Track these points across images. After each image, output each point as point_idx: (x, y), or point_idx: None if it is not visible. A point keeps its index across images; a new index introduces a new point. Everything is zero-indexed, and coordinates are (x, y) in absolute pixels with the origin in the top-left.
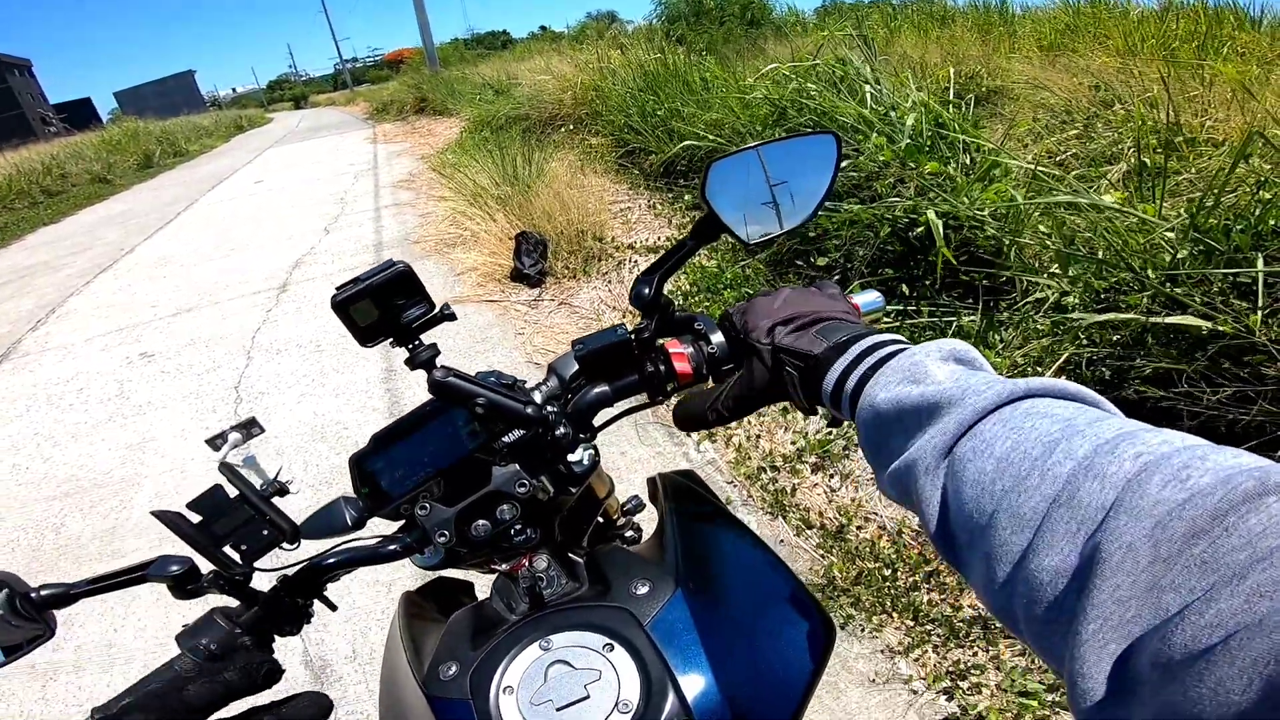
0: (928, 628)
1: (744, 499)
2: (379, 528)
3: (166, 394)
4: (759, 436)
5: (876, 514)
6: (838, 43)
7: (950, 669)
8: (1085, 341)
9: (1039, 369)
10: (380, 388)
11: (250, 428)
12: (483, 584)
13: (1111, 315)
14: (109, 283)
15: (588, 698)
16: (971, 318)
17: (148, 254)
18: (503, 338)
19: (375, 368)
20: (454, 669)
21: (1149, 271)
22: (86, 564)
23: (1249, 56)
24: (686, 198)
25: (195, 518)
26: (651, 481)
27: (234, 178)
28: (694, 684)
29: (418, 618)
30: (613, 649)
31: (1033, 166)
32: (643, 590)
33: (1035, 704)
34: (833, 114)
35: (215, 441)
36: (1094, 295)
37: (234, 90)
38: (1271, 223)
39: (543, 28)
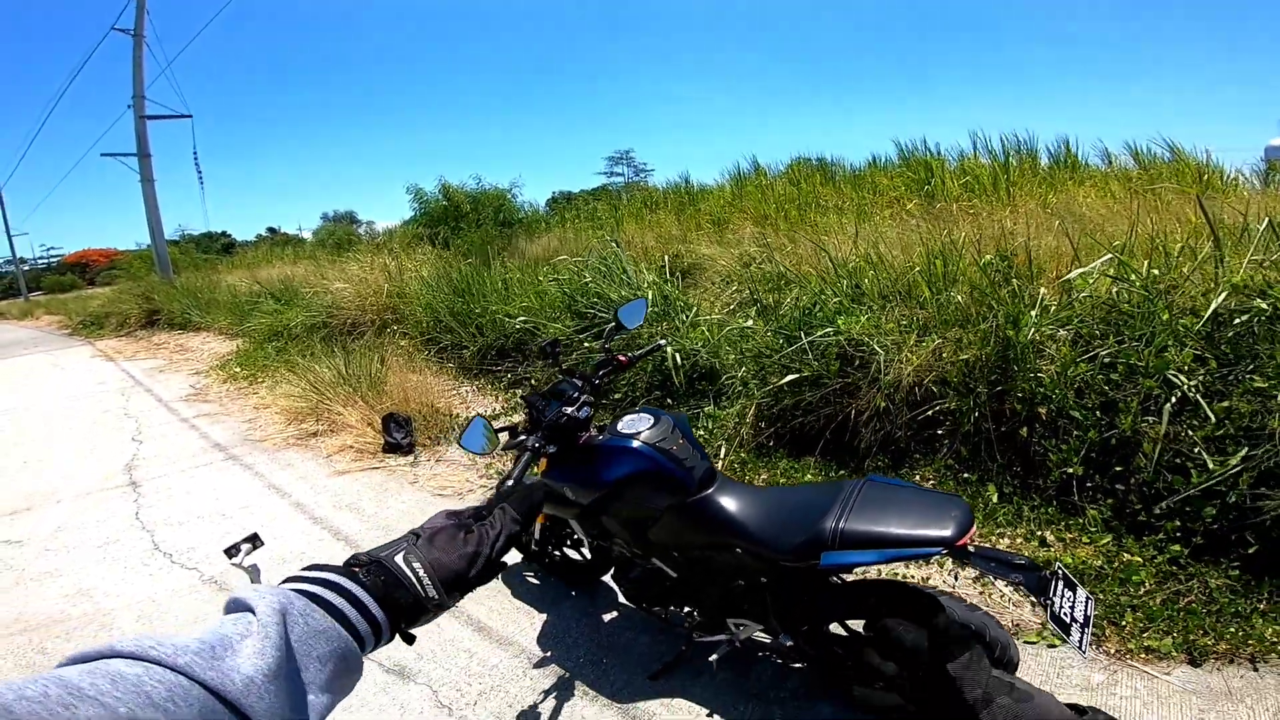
0: None
1: None
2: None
3: (67, 566)
4: None
5: None
6: (598, 240)
7: None
8: (761, 399)
9: (744, 423)
10: (315, 528)
11: (255, 540)
12: None
13: (766, 389)
14: None
15: None
16: (709, 408)
17: None
18: (400, 488)
19: (304, 522)
20: None
21: (772, 352)
22: None
23: (827, 207)
24: (507, 378)
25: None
26: None
27: None
28: None
29: None
30: None
31: (713, 316)
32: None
33: None
34: (605, 296)
35: (230, 551)
36: (759, 374)
37: None
38: (815, 314)
39: (271, 230)
